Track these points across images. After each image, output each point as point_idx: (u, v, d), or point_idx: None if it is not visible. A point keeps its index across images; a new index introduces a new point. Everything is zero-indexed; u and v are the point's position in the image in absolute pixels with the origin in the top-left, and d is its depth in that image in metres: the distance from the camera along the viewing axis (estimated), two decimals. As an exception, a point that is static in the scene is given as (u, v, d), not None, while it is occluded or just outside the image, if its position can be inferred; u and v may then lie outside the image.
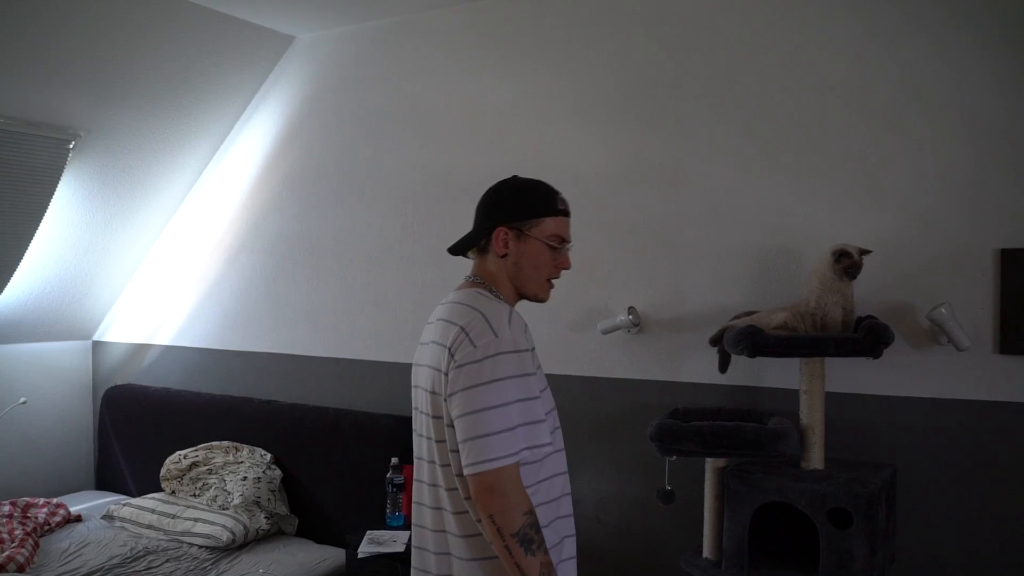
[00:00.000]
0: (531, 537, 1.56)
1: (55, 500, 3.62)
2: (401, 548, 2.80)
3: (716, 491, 2.40)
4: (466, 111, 3.29)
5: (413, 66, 3.43)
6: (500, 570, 1.61)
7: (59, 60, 3.14)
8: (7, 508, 3.41)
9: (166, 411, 3.91)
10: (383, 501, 3.08)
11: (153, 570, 2.99)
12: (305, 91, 3.74)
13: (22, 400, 3.91)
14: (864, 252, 2.32)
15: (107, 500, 3.83)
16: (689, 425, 2.30)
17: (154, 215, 4.03)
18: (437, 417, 1.68)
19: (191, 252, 4.09)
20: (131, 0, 3.09)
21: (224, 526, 3.17)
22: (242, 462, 3.47)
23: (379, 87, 3.53)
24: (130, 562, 3.05)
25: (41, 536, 3.30)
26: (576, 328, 3.02)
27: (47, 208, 3.52)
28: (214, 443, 3.62)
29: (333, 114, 3.67)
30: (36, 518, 3.37)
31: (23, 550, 3.00)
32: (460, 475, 1.62)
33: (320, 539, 3.32)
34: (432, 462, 1.71)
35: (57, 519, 3.45)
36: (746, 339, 2.28)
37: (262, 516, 3.29)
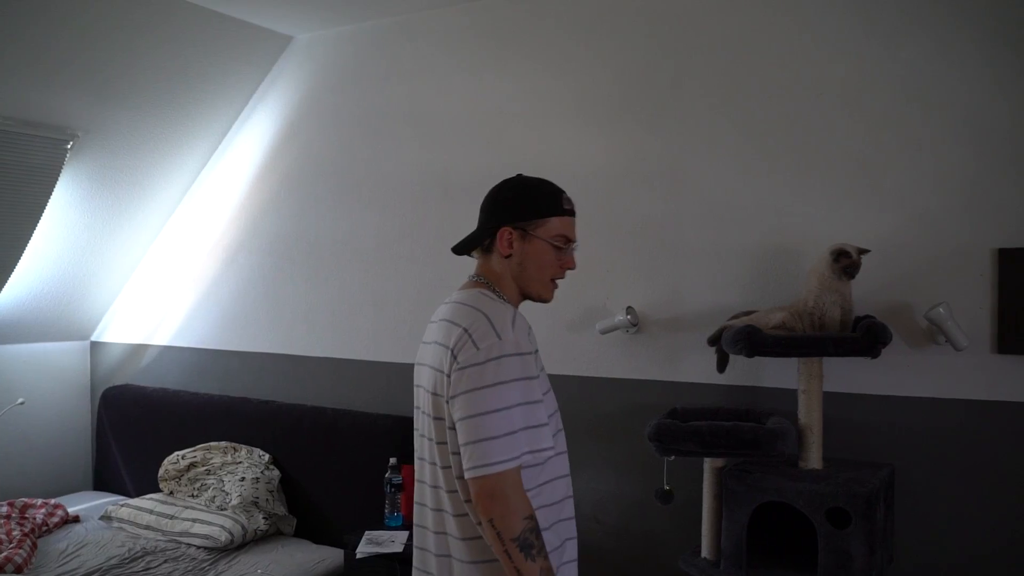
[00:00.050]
0: (531, 542, 1.55)
1: (53, 501, 3.61)
2: (399, 548, 2.80)
3: (714, 491, 2.40)
4: (465, 111, 3.29)
5: (412, 66, 3.43)
6: (500, 574, 1.60)
7: (57, 60, 3.14)
8: (5, 509, 3.40)
9: (164, 411, 3.90)
10: (381, 501, 3.07)
11: (151, 571, 2.98)
12: (303, 91, 3.74)
13: (20, 401, 3.90)
14: (863, 251, 2.32)
15: (105, 501, 3.82)
16: (687, 425, 2.30)
17: (152, 215, 4.02)
18: (438, 418, 1.67)
19: (189, 252, 4.08)
20: (129, 0, 3.08)
21: (222, 526, 3.16)
22: (240, 462, 3.47)
23: (377, 87, 3.52)
24: (128, 563, 3.04)
25: (39, 537, 3.29)
26: (574, 328, 3.02)
27: (45, 208, 3.51)
28: (212, 443, 3.62)
29: (331, 114, 3.66)
30: (34, 519, 3.37)
31: (21, 551, 3.00)
32: (460, 478, 1.62)
33: (318, 539, 3.32)
34: (433, 463, 1.71)
35: (55, 520, 3.44)
36: (744, 339, 2.28)
37: (260, 516, 3.29)
